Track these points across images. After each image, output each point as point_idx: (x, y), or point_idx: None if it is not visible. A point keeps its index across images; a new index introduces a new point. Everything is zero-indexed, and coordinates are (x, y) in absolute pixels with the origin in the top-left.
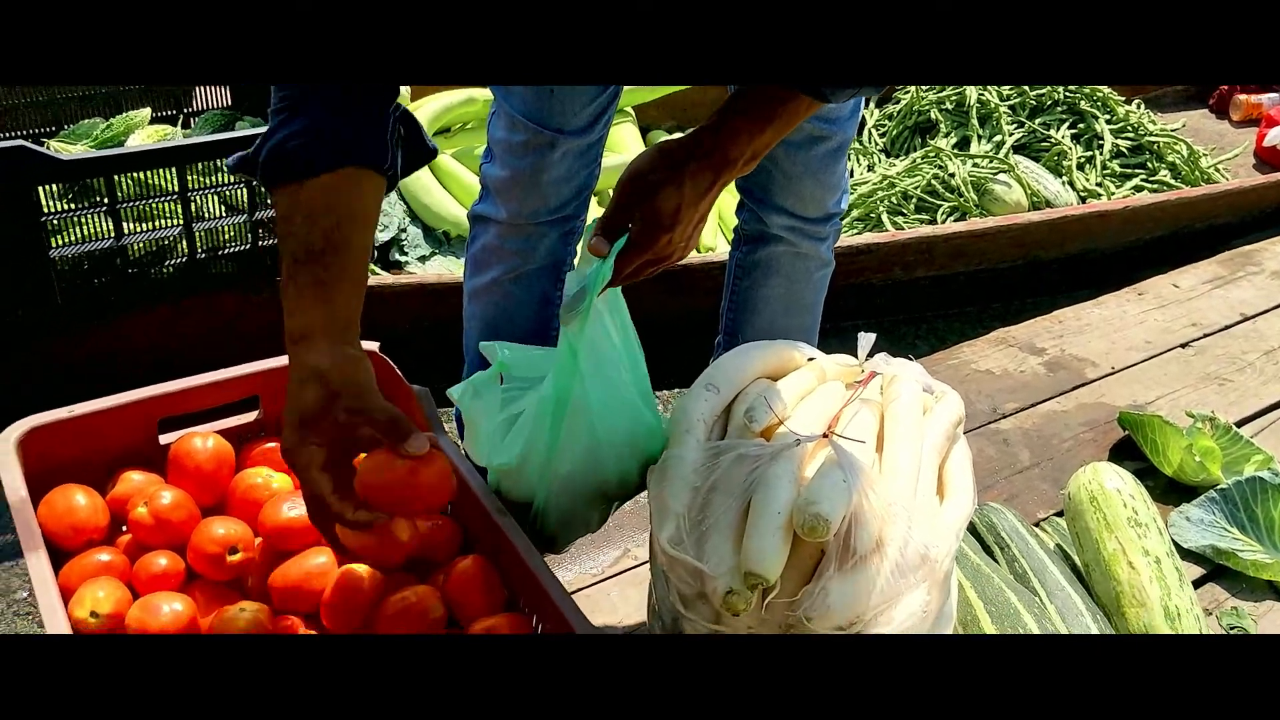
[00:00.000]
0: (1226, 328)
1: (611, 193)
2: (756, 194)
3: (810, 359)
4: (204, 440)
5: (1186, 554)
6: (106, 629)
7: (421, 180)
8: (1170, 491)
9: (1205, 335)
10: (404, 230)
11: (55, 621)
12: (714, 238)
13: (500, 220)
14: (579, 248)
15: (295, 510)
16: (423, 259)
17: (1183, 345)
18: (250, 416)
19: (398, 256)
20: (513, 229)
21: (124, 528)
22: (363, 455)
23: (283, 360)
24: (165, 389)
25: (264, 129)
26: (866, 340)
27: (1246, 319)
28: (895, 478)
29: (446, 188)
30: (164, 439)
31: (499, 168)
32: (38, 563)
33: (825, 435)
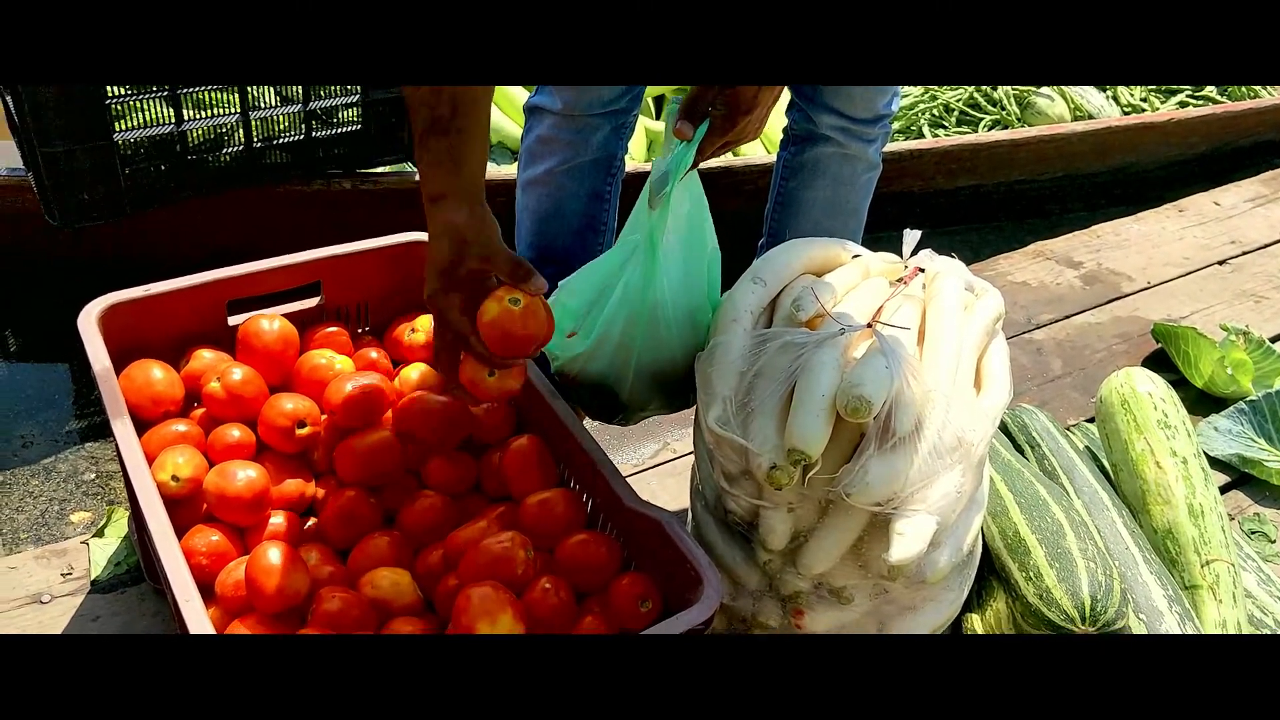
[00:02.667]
0: (1265, 246)
1: (667, 90)
2: (807, 92)
3: (855, 255)
4: (270, 322)
5: (1214, 463)
6: (186, 492)
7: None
8: (1200, 403)
9: (1244, 253)
10: None
11: (141, 482)
12: (754, 147)
13: (555, 111)
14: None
15: (358, 386)
16: None
17: (1220, 262)
18: (313, 302)
19: None
20: (567, 120)
21: (197, 402)
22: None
23: (344, 248)
24: (234, 271)
25: None
26: (912, 237)
27: None
28: (935, 366)
29: (496, 103)
30: (232, 320)
31: None
32: (123, 428)
33: (869, 325)
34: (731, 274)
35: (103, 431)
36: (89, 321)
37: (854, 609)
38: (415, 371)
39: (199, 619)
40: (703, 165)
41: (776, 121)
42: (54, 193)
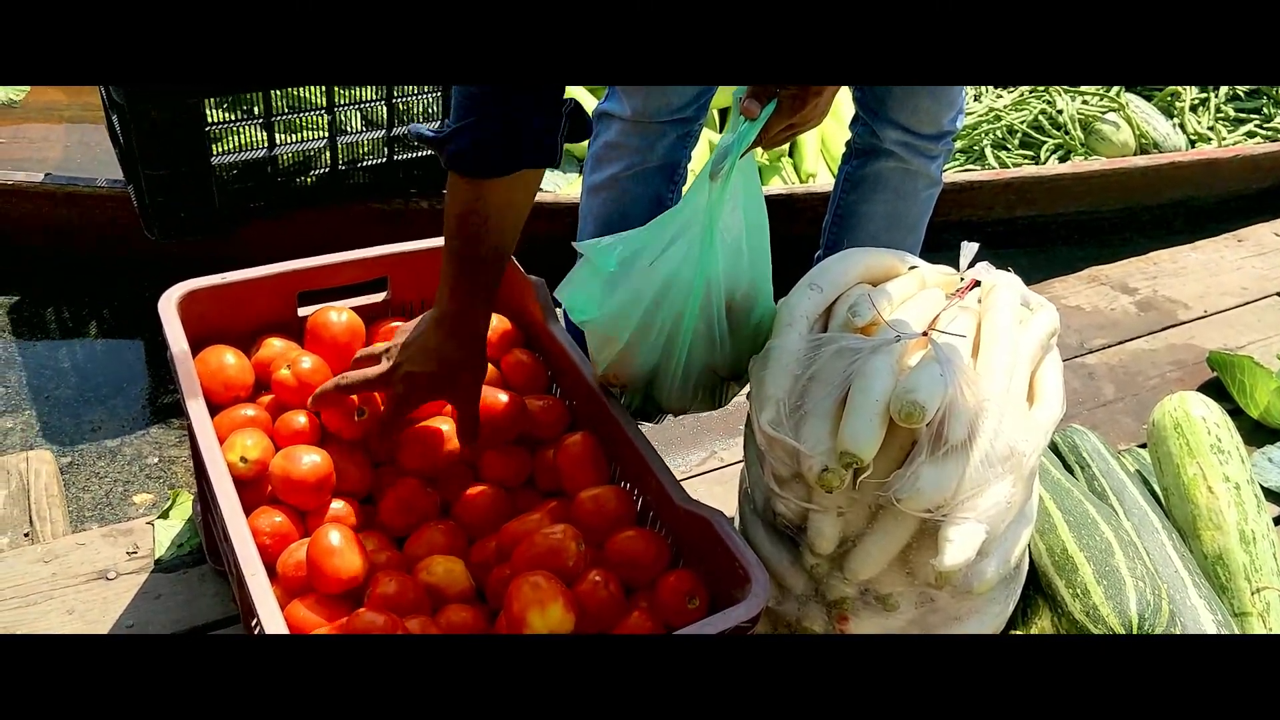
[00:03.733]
0: None
1: (732, 106)
2: (872, 106)
3: (912, 267)
4: (339, 314)
5: (1267, 494)
6: (253, 474)
7: None
8: (1255, 433)
9: None
10: None
11: (213, 460)
12: (816, 163)
13: (624, 117)
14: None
15: None
16: None
17: (1278, 294)
18: (379, 297)
19: None
20: (635, 126)
21: (265, 389)
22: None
23: (411, 245)
24: (305, 264)
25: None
26: (969, 249)
27: None
28: (989, 376)
29: None
30: (302, 311)
31: None
32: (198, 408)
33: (924, 334)
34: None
35: (166, 417)
36: (169, 305)
37: (899, 617)
38: None
39: (264, 593)
40: (766, 191)
41: (839, 136)
42: (153, 210)
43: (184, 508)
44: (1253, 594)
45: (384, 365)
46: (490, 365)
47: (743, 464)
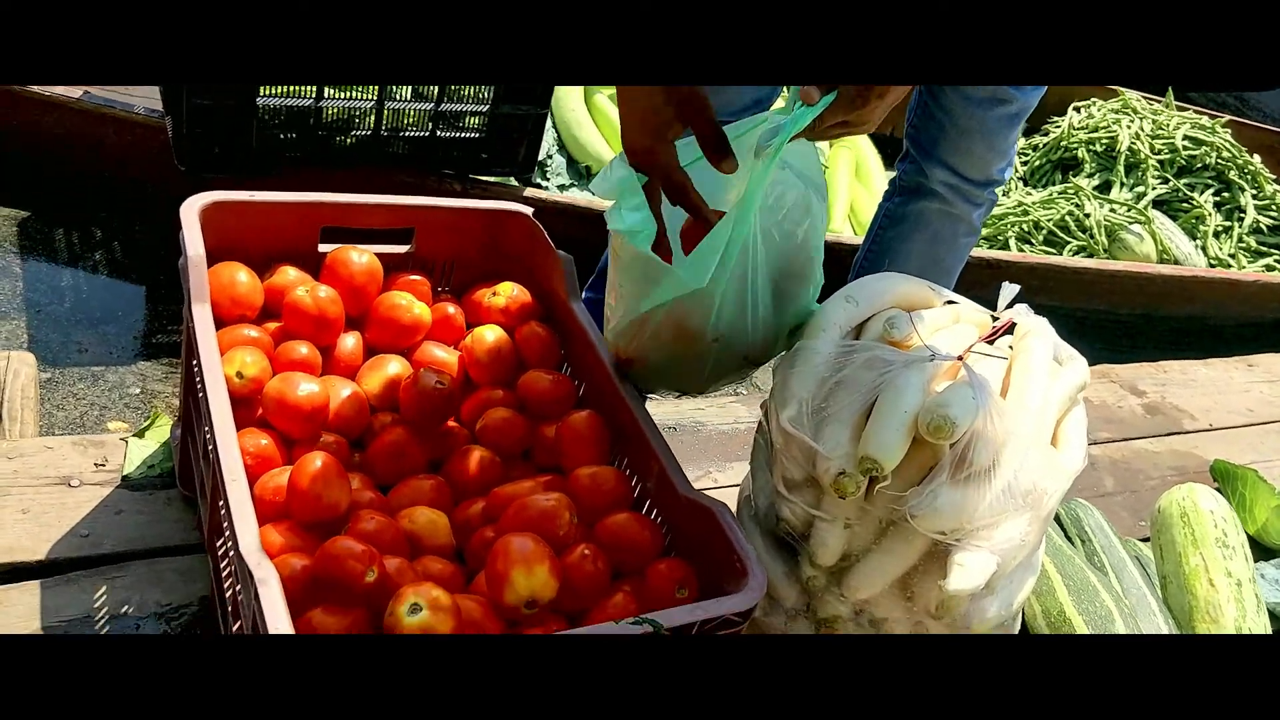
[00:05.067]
0: None
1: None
2: (924, 145)
3: (948, 301)
4: (360, 254)
5: None
6: (248, 391)
7: (576, 114)
8: (1249, 549)
9: None
10: (550, 156)
11: (210, 367)
12: (842, 224)
13: None
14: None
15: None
16: (561, 187)
17: None
18: (403, 248)
19: (539, 180)
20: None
21: (271, 317)
22: None
23: (445, 201)
24: (334, 198)
25: None
26: (1009, 290)
27: None
28: (1018, 412)
29: (597, 124)
30: (323, 247)
31: None
32: (202, 311)
33: (959, 358)
34: None
35: (158, 354)
36: (190, 211)
37: None
38: (490, 333)
39: (242, 503)
40: (853, 133)
41: (869, 204)
42: (189, 142)
43: (161, 430)
44: None
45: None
46: (504, 334)
47: (739, 484)
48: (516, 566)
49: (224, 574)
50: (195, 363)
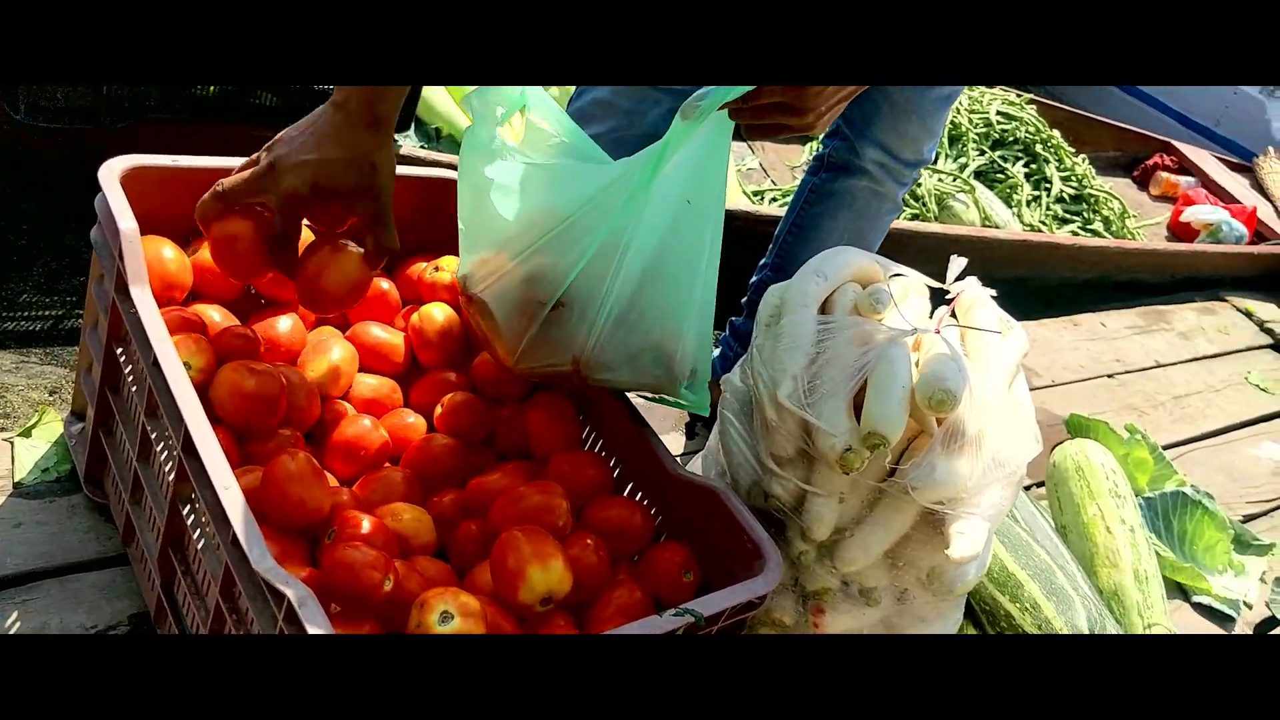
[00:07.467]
0: (1143, 369)
1: None
2: (857, 124)
3: (895, 274)
4: None
5: None
6: (197, 383)
7: None
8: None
9: (1127, 371)
10: None
11: (166, 357)
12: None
13: None
14: None
15: None
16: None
17: (1109, 375)
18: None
19: None
20: (630, 88)
21: (200, 297)
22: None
23: None
24: None
25: None
26: (957, 264)
27: (1159, 366)
28: (988, 384)
29: (449, 92)
30: None
31: None
32: (143, 297)
33: (936, 331)
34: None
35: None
36: (110, 177)
37: (872, 614)
38: (440, 311)
39: (239, 508)
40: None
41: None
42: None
43: (50, 428)
44: (1145, 628)
45: (264, 161)
46: (453, 312)
47: (678, 455)
48: (532, 563)
49: (175, 580)
50: (126, 353)
